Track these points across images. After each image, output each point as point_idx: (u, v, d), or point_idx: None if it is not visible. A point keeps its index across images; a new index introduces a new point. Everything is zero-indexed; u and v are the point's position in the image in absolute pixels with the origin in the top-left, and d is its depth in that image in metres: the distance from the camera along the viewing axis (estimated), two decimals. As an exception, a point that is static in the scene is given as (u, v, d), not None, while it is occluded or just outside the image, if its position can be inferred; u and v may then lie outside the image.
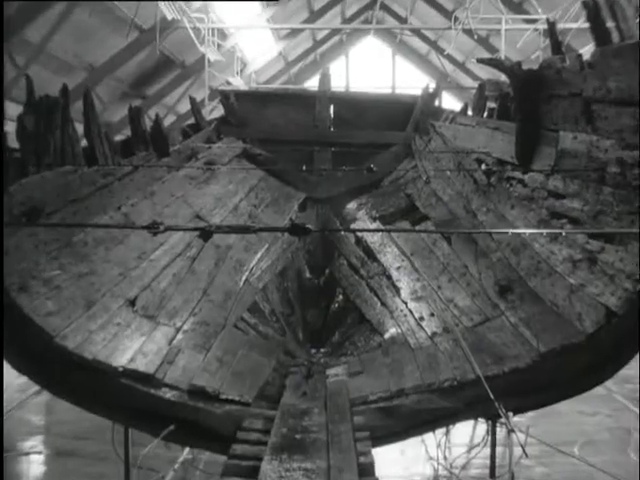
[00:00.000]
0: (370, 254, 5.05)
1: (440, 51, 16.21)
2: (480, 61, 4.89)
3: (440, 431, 3.62)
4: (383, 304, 4.43)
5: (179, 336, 3.50)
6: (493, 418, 3.17)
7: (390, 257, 4.82)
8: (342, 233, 5.43)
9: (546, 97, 3.69)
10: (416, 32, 17.36)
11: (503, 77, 5.18)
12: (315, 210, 5.98)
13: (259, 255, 4.87)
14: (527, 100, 3.84)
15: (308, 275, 5.36)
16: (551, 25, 4.11)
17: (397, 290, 4.44)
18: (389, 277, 4.62)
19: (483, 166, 4.60)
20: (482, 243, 4.11)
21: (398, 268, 4.66)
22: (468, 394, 2.92)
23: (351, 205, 5.89)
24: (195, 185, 5.09)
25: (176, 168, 4.93)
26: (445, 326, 3.71)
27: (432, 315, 3.93)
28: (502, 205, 4.08)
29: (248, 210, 5.39)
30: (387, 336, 4.04)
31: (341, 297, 4.97)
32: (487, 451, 4.30)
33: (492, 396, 2.60)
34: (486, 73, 11.93)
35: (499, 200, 4.14)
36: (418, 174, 5.81)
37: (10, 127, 3.36)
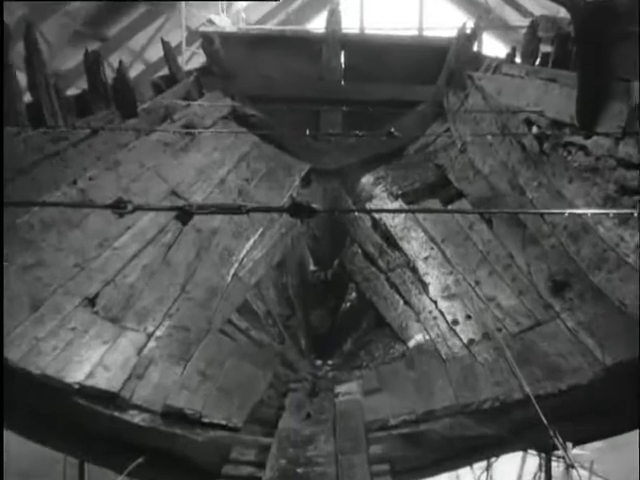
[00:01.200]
0: (391, 241, 5.05)
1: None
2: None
3: (479, 465, 3.72)
4: (407, 303, 4.46)
5: (151, 344, 3.52)
6: (547, 450, 3.16)
7: (416, 244, 4.84)
8: (355, 214, 5.44)
9: (619, 36, 3.57)
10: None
11: (562, 12, 5.07)
12: (322, 185, 5.96)
13: (251, 242, 4.86)
14: (593, 41, 3.70)
15: (313, 267, 5.39)
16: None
17: (424, 286, 4.46)
18: (414, 270, 4.66)
19: (534, 129, 4.52)
20: (532, 226, 4.10)
21: (426, 258, 4.69)
22: (515, 418, 2.92)
23: (367, 179, 5.88)
24: (171, 154, 5.08)
25: (146, 132, 4.89)
26: (485, 331, 3.72)
27: (468, 318, 3.96)
28: (558, 179, 4.04)
29: (238, 185, 5.37)
30: (412, 344, 4.08)
31: (354, 295, 5.00)
32: (539, 491, 4.35)
33: (545, 421, 2.60)
34: (540, 7, 11.66)
35: (554, 172, 4.10)
36: (451, 140, 5.77)
37: None
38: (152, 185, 4.65)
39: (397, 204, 5.38)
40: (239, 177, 5.48)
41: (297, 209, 2.07)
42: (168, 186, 4.77)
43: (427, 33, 12.65)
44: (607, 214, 3.32)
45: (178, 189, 4.82)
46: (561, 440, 2.57)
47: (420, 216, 4.91)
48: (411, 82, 6.54)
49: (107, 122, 4.65)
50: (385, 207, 5.37)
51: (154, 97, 5.62)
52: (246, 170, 5.61)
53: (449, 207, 5.04)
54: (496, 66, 6.12)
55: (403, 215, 5.09)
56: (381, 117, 5.85)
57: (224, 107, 6.14)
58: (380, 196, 5.59)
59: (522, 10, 15.64)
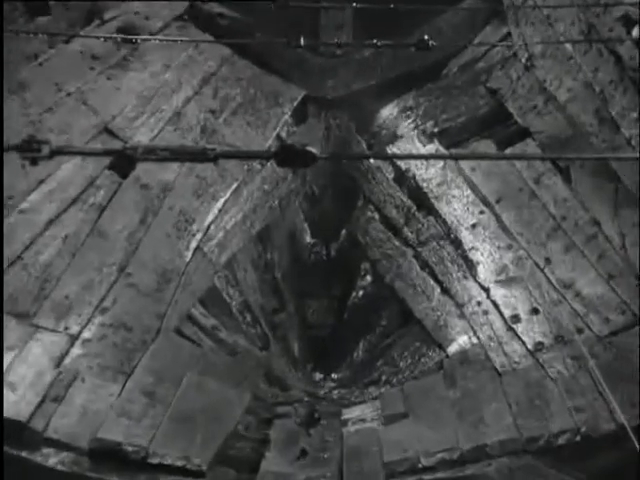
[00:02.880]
0: (423, 201, 5.05)
1: None
2: None
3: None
4: (445, 292, 4.51)
5: (75, 350, 3.53)
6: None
7: (459, 207, 4.87)
8: (371, 162, 5.44)
9: None
10: None
11: None
12: (323, 121, 5.84)
13: (221, 204, 4.87)
14: None
15: (310, 240, 5.42)
16: None
17: (471, 267, 4.50)
18: (456, 243, 4.70)
19: (636, 31, 4.46)
20: (629, 180, 4.10)
21: (473, 226, 4.72)
22: (601, 458, 2.97)
23: (388, 111, 5.85)
24: (102, 71, 5.00)
25: (64, 38, 4.87)
26: (559, 333, 3.75)
27: (535, 312, 3.98)
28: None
29: (201, 120, 5.31)
30: (452, 350, 4.13)
31: (369, 279, 5.02)
32: None
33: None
34: None
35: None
36: (512, 52, 5.57)
37: None
38: (75, 118, 4.61)
39: (432, 147, 5.32)
40: (202, 108, 5.38)
41: (287, 155, 2.06)
42: (99, 120, 4.72)
43: None
44: None
45: (114, 125, 4.76)
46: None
47: (466, 166, 4.92)
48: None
49: (8, 23, 4.59)
50: (415, 152, 5.33)
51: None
52: (213, 98, 5.49)
53: (507, 152, 5.01)
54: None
55: (441, 164, 5.08)
56: (408, 18, 5.41)
57: (179, 1, 5.92)
58: (408, 136, 5.51)
59: None
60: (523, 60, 5.41)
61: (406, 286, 4.72)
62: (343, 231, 5.42)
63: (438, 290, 4.56)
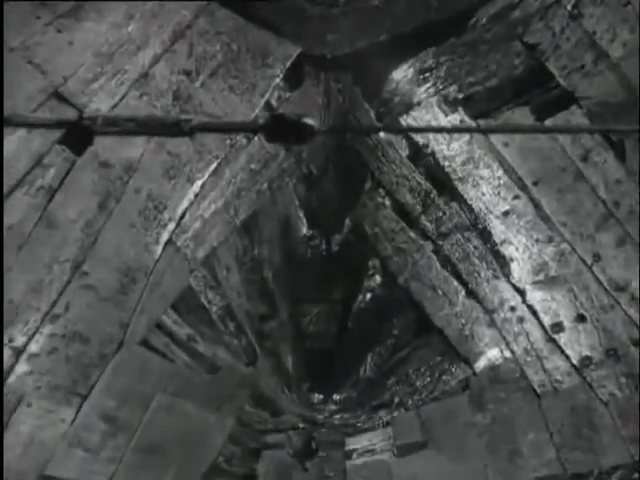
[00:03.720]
0: (444, 184, 5.05)
1: None
2: None
3: None
4: (471, 294, 4.54)
5: (20, 367, 3.53)
6: None
7: (488, 190, 4.87)
8: (381, 137, 5.42)
9: None
10: None
11: None
12: (322, 85, 5.83)
13: (197, 187, 4.85)
14: None
15: (306, 231, 5.41)
16: None
17: (504, 264, 4.52)
18: (485, 235, 4.72)
19: None
20: None
21: (506, 214, 4.72)
22: None
23: (402, 73, 5.75)
24: (50, 21, 4.87)
25: None
26: (610, 345, 3.77)
27: (581, 320, 3.99)
28: None
29: (173, 83, 5.22)
30: (480, 364, 4.16)
31: (378, 279, 5.01)
32: None
33: None
34: None
35: None
36: (554, -4, 5.57)
37: None
38: (18, 80, 4.52)
39: (456, 118, 5.28)
40: (175, 68, 5.28)
41: (278, 128, 2.07)
42: (47, 82, 4.62)
43: None
44: None
45: (65, 88, 4.66)
46: None
47: (497, 140, 4.91)
48: None
49: None
50: (435, 123, 5.28)
51: None
52: (187, 56, 5.40)
53: (548, 123, 4.95)
54: None
55: (467, 138, 5.07)
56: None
57: None
58: (426, 104, 5.46)
59: None
60: (568, 7, 5.30)
61: (424, 288, 4.73)
62: (347, 221, 5.41)
63: (463, 293, 4.57)
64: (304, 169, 5.53)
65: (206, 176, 4.92)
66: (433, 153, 5.17)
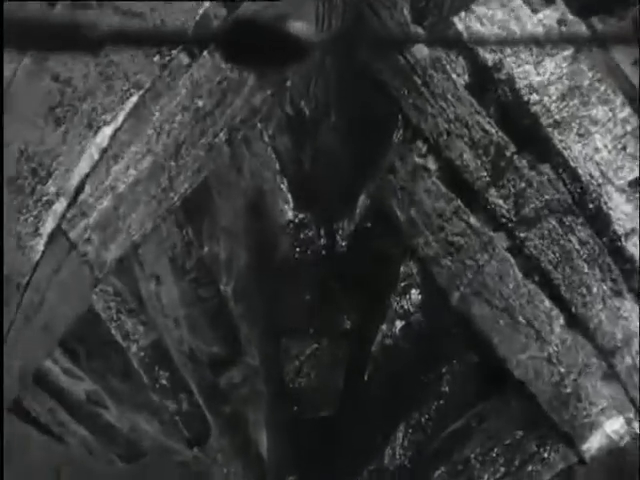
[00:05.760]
0: (530, 133, 4.17)
1: None
2: None
3: None
4: (575, 322, 3.94)
5: None
6: None
7: (606, 144, 4.09)
8: (423, 52, 4.46)
9: None
10: None
11: None
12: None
13: (106, 137, 4.06)
14: None
15: (291, 214, 4.52)
16: None
17: (629, 270, 3.94)
18: (601, 220, 4.05)
19: None
20: None
21: (634, 186, 4.05)
22: None
23: None
24: None
25: None
26: None
27: None
28: None
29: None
30: (592, 445, 3.75)
31: (415, 296, 4.26)
32: None
33: None
34: None
35: None
36: None
37: None
38: None
39: (552, 16, 4.39)
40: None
41: (245, 39, 1.67)
42: None
43: None
44: None
45: None
46: None
47: (625, 56, 4.10)
48: None
49: None
50: (515, 28, 4.31)
51: None
52: None
53: None
54: None
55: (569, 53, 4.14)
56: None
57: None
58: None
59: None
60: None
61: (493, 312, 4.00)
62: (362, 197, 4.32)
63: (561, 321, 3.86)
64: (289, 109, 4.48)
65: (120, 120, 4.08)
66: (511, 79, 4.15)
